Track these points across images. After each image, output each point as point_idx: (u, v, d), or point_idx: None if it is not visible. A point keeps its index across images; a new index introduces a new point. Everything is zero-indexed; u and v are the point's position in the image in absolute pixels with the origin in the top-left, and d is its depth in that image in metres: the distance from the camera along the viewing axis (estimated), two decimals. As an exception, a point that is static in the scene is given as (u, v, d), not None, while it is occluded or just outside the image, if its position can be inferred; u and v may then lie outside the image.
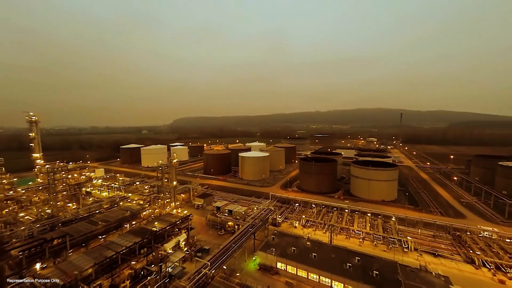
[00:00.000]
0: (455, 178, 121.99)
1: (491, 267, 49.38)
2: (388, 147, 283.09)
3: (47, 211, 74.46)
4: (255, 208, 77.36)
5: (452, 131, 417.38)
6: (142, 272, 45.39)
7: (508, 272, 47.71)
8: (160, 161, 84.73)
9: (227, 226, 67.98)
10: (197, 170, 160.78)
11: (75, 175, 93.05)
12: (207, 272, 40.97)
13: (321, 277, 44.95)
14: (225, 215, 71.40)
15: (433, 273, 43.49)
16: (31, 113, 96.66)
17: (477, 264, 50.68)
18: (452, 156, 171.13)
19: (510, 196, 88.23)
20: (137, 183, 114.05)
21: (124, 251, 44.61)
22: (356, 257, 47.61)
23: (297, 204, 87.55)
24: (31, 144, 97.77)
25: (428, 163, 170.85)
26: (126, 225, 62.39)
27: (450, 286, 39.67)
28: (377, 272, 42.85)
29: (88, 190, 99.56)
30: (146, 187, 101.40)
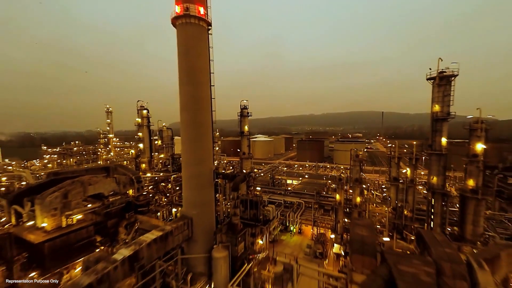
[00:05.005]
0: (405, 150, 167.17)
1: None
2: (372, 140, 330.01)
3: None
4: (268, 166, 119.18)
5: (427, 128, 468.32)
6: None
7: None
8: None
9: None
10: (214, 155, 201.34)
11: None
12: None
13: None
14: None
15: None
16: (108, 106, 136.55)
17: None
18: (415, 142, 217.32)
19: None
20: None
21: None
22: (329, 175, 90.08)
23: (296, 166, 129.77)
24: (108, 128, 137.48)
25: (393, 145, 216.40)
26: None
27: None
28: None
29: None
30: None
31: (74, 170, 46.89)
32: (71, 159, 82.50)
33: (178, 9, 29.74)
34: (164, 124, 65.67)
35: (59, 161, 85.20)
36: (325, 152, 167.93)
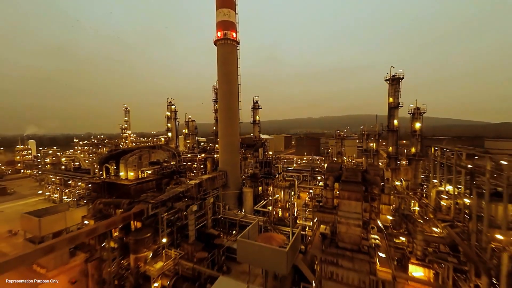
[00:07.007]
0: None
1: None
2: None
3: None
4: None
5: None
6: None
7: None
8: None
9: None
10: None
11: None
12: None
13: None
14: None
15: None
16: (126, 105, 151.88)
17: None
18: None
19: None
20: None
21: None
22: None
23: (295, 158, 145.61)
24: (126, 125, 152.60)
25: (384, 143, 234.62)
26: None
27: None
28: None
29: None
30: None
31: (130, 148, 62.17)
32: (104, 149, 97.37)
33: (219, 34, 45.69)
34: (190, 116, 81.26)
35: (94, 150, 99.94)
36: (321, 150, 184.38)
